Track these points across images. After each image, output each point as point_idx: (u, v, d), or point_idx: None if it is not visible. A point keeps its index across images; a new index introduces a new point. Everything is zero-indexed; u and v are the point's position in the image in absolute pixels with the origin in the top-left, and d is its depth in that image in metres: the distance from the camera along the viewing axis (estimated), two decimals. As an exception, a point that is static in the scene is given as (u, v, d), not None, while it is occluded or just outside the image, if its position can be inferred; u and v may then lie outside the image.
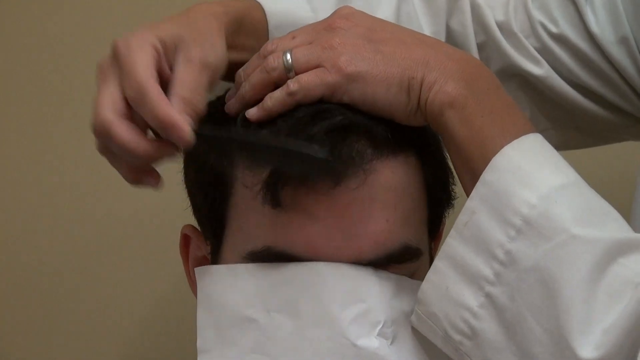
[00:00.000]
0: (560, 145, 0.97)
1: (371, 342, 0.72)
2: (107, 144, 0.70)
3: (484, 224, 0.69)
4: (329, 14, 0.81)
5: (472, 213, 0.69)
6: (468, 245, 0.69)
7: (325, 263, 0.72)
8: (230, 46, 0.76)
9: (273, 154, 0.70)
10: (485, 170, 0.69)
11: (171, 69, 0.71)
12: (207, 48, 0.72)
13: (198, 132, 0.68)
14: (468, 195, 0.71)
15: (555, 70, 0.90)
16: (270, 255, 0.73)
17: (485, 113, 0.71)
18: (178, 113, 0.68)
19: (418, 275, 0.76)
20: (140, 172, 0.72)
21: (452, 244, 0.70)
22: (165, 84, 0.70)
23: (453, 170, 0.78)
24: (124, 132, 0.68)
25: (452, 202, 0.81)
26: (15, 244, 1.32)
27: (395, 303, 0.74)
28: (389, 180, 0.74)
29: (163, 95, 0.68)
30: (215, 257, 0.78)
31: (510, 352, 0.68)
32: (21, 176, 1.32)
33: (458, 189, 0.79)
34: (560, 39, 0.90)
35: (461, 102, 0.71)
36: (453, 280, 0.70)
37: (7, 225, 1.32)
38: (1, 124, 1.32)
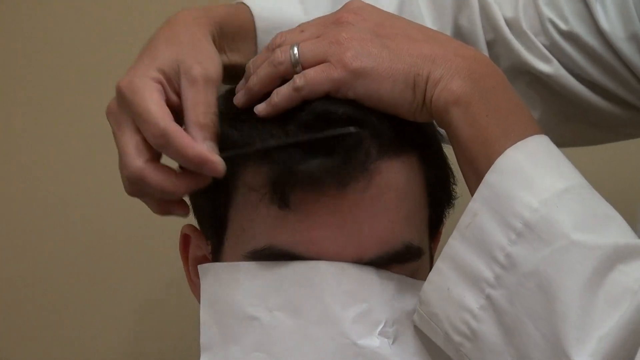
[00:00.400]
0: (575, 140, 0.97)
1: (372, 341, 0.73)
2: (140, 189, 0.72)
3: (485, 226, 0.69)
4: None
5: (475, 215, 0.70)
6: (470, 246, 0.70)
7: (327, 262, 0.73)
8: (217, 49, 0.77)
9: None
10: (488, 172, 0.70)
11: (177, 93, 0.72)
12: (205, 61, 0.73)
13: (226, 157, 0.70)
14: (472, 192, 0.72)
15: (565, 67, 0.90)
16: (273, 254, 0.74)
17: (490, 112, 0.71)
18: (202, 144, 0.69)
19: (419, 274, 0.77)
20: (170, 204, 0.74)
21: (454, 245, 0.70)
22: (173, 108, 0.71)
23: (453, 170, 0.79)
24: (158, 177, 0.70)
25: (453, 202, 0.81)
26: (17, 243, 1.32)
27: (397, 303, 0.75)
28: (392, 180, 0.74)
29: (184, 134, 0.69)
30: (216, 257, 0.79)
31: (509, 355, 0.68)
32: (23, 175, 1.32)
33: (458, 188, 0.80)
34: (570, 36, 0.89)
35: (466, 100, 0.71)
36: (454, 281, 0.70)
37: (9, 224, 1.32)
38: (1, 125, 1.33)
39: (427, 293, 0.72)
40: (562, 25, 0.89)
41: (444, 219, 0.82)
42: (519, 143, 0.70)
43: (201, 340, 0.76)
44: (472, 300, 0.69)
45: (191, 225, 0.83)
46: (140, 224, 1.29)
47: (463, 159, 0.73)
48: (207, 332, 0.76)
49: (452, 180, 0.80)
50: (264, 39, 0.82)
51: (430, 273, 0.72)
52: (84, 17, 1.30)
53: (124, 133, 0.71)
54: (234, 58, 0.81)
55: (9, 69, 1.31)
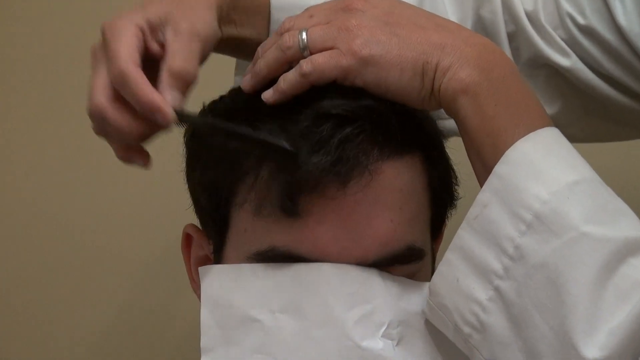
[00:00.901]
0: (595, 136, 0.97)
1: (376, 343, 0.73)
2: (102, 126, 0.73)
3: (494, 217, 0.69)
4: None
5: (484, 206, 0.69)
6: (479, 237, 0.69)
7: (331, 264, 0.73)
8: (227, 21, 0.78)
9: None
10: (498, 163, 0.70)
11: (160, 44, 0.73)
12: (195, 20, 0.74)
13: (179, 113, 0.71)
14: (480, 183, 0.72)
15: (584, 61, 0.90)
16: (276, 256, 0.74)
17: (499, 102, 0.71)
18: (166, 92, 0.70)
19: (420, 275, 0.77)
20: (131, 150, 0.75)
21: (464, 236, 0.70)
22: (154, 57, 0.73)
23: (456, 170, 0.79)
24: (116, 116, 0.71)
25: (455, 203, 0.81)
26: (20, 242, 1.33)
27: (401, 304, 0.74)
28: (395, 181, 0.74)
29: (143, 78, 0.71)
30: (218, 256, 0.79)
31: (517, 347, 0.68)
32: (26, 174, 1.33)
33: (461, 189, 0.80)
34: (587, 30, 0.89)
35: (474, 89, 0.71)
36: (463, 272, 0.70)
37: (11, 223, 1.33)
38: (2, 125, 1.34)
39: (437, 284, 0.72)
40: (580, 20, 0.89)
41: (446, 220, 0.82)
42: (529, 134, 0.70)
43: (202, 342, 0.76)
44: (481, 292, 0.69)
45: (194, 225, 0.83)
46: (143, 224, 1.30)
47: (471, 149, 0.73)
48: (208, 333, 0.76)
49: (454, 180, 0.81)
50: (277, 17, 0.83)
51: (439, 264, 0.72)
52: (84, 17, 1.31)
53: (97, 71, 0.73)
54: (245, 32, 0.82)
55: (9, 69, 1.33)
